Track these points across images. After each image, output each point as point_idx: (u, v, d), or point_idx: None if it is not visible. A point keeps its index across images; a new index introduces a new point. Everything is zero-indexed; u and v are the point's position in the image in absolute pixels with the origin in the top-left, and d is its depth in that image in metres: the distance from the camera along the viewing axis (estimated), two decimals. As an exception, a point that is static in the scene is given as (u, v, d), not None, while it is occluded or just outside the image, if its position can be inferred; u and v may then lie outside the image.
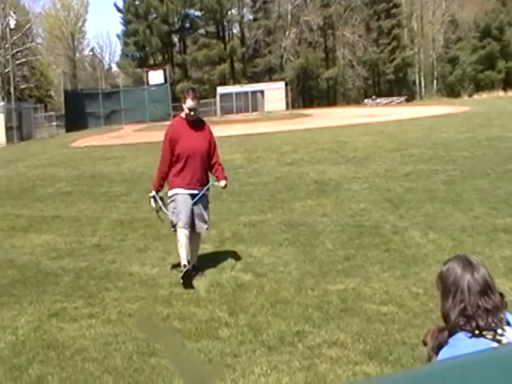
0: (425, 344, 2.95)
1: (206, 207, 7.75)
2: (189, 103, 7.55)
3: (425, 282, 6.71)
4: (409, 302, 6.24)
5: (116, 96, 63.42)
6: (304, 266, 7.79)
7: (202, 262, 8.07)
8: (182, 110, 7.76)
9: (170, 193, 7.65)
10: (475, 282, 2.78)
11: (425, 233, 8.84)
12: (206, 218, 7.76)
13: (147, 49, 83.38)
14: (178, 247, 7.59)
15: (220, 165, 7.86)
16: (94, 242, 9.84)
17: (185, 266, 7.36)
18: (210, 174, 7.89)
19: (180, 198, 7.52)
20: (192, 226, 7.61)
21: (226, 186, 7.89)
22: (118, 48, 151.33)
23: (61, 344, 5.81)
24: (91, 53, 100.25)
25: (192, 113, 7.59)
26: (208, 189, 7.77)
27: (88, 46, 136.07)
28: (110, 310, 6.68)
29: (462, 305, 2.75)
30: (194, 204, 7.57)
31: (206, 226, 7.80)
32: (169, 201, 7.67)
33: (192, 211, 7.57)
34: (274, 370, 4.98)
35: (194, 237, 7.76)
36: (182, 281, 7.23)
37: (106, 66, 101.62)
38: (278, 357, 5.21)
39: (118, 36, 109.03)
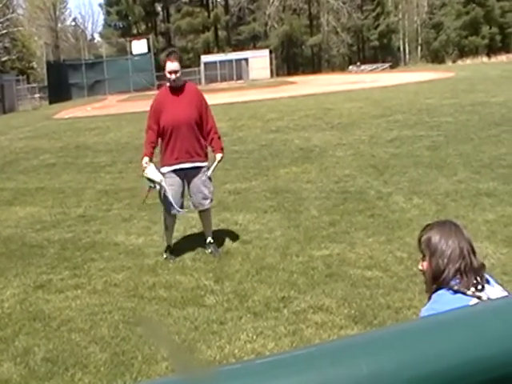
0: None
1: (203, 181, 7.05)
2: (168, 66, 6.82)
3: (409, 246, 6.73)
4: (393, 267, 6.28)
5: (99, 66, 62.73)
6: (289, 232, 7.81)
7: (187, 231, 8.09)
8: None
9: (161, 170, 7.01)
10: (466, 242, 2.89)
11: (409, 198, 8.88)
12: (207, 192, 7.12)
13: (130, 18, 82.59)
14: (163, 229, 7.44)
15: (216, 133, 7.16)
16: (78, 213, 9.80)
17: (169, 246, 7.29)
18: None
19: (167, 181, 6.92)
20: (193, 205, 7.21)
21: (221, 158, 7.16)
22: (100, 18, 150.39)
23: (47, 315, 5.81)
24: (73, 23, 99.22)
25: (173, 76, 6.84)
26: (209, 168, 7.15)
27: (70, 16, 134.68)
28: (96, 280, 6.69)
29: (457, 264, 2.85)
30: (189, 180, 7.04)
31: (206, 202, 7.15)
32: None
33: (188, 189, 7.08)
34: (260, 335, 5.02)
35: (202, 215, 7.36)
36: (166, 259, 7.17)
37: (89, 37, 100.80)
38: (264, 323, 5.24)
39: (100, 5, 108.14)
